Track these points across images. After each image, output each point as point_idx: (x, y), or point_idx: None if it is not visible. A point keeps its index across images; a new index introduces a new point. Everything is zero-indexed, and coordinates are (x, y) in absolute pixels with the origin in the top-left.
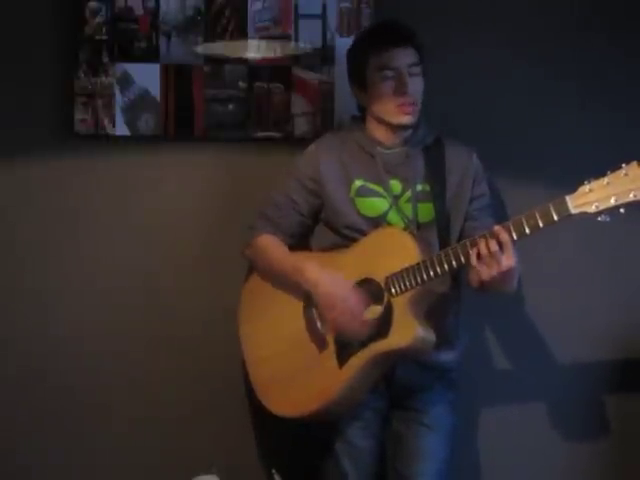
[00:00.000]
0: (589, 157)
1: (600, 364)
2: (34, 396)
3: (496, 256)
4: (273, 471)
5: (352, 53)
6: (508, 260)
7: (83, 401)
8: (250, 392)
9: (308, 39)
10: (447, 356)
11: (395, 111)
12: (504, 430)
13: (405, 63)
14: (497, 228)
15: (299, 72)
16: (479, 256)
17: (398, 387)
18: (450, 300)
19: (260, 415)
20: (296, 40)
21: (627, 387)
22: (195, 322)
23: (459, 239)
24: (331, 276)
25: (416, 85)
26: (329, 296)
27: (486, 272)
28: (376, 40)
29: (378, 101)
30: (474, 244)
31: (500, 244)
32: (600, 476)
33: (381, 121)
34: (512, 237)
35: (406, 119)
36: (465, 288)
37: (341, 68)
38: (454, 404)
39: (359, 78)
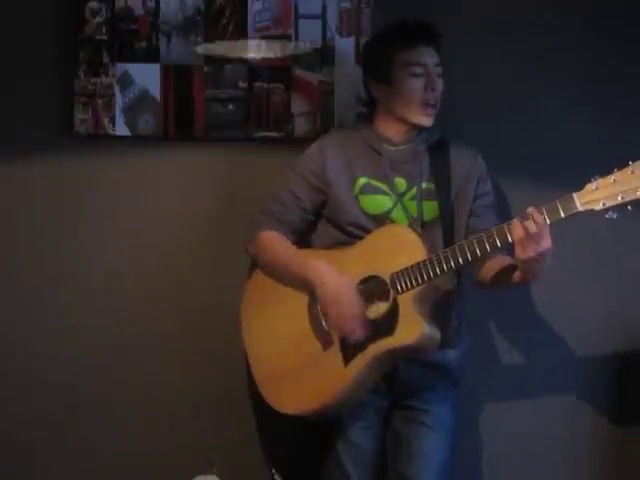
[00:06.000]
0: (592, 157)
1: (601, 362)
2: (34, 396)
3: (535, 237)
4: (273, 471)
5: (374, 47)
6: (546, 242)
7: (83, 401)
8: (251, 392)
9: (308, 39)
10: (449, 355)
11: (418, 110)
12: (505, 429)
13: (432, 61)
14: (530, 209)
15: (299, 72)
16: (517, 237)
17: (400, 386)
18: (454, 298)
19: (261, 415)
20: (296, 40)
21: (627, 385)
22: (195, 322)
23: (465, 237)
24: (336, 274)
25: (440, 85)
26: (331, 294)
27: (523, 253)
28: (406, 36)
29: (402, 97)
30: (490, 236)
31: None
32: (600, 475)
33: (399, 118)
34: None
35: (426, 120)
36: (467, 287)
37: (341, 68)
38: (456, 403)
39: (381, 73)
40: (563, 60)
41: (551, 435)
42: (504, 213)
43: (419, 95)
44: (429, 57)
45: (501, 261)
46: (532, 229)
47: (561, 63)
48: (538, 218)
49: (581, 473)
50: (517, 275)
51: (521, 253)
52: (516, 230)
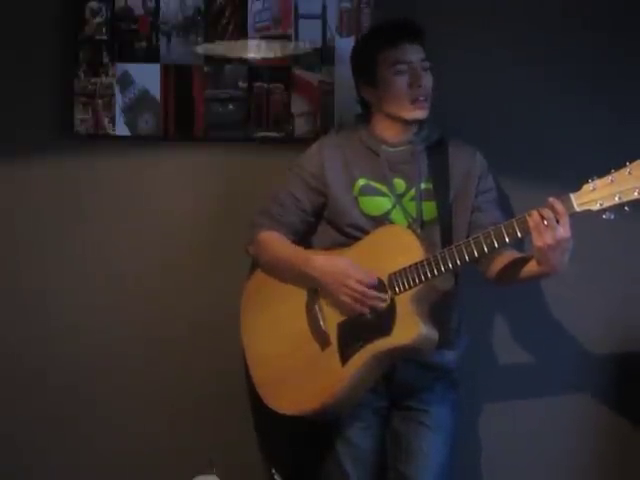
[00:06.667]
0: (591, 157)
1: (601, 363)
2: (34, 396)
3: (551, 223)
4: (273, 471)
5: (360, 50)
6: (564, 230)
7: (83, 401)
8: (251, 392)
9: (308, 39)
10: (448, 356)
11: (409, 106)
12: (505, 430)
13: (417, 57)
14: (551, 199)
15: (299, 72)
16: (534, 224)
17: (398, 387)
18: (452, 299)
19: (260, 415)
20: (296, 40)
21: (627, 385)
22: (195, 322)
23: (467, 232)
24: (330, 261)
25: (427, 80)
26: (332, 283)
27: (540, 239)
28: (387, 36)
29: (391, 97)
30: (487, 236)
31: (555, 215)
32: (601, 475)
33: (392, 117)
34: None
35: (420, 113)
36: (466, 287)
37: (341, 68)
38: (455, 404)
39: (368, 75)
40: (563, 60)
41: (551, 436)
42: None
43: (405, 92)
44: (413, 54)
45: (510, 255)
46: (549, 215)
47: (561, 63)
48: (558, 206)
49: (581, 474)
50: (533, 267)
51: (538, 241)
52: (533, 216)
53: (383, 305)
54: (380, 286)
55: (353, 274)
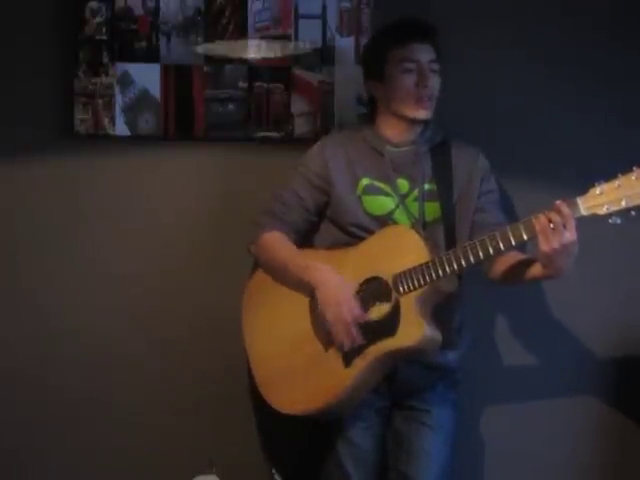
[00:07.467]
0: (593, 158)
1: (601, 363)
2: (34, 395)
3: (558, 227)
4: (273, 471)
5: (371, 47)
6: (571, 234)
7: (83, 401)
8: (251, 392)
9: (308, 39)
10: (450, 356)
11: (413, 105)
12: (505, 430)
13: (426, 58)
14: (559, 202)
15: (299, 72)
16: (541, 228)
17: (400, 387)
18: (455, 300)
19: (261, 415)
20: (296, 40)
21: (627, 386)
22: (196, 322)
23: (470, 233)
24: (337, 279)
25: (434, 81)
26: (331, 297)
27: (547, 245)
28: (399, 34)
29: (397, 94)
30: (493, 239)
31: (562, 218)
32: (600, 476)
33: (397, 116)
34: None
35: (423, 113)
36: (468, 289)
37: (341, 68)
38: (456, 404)
39: (377, 71)
40: (566, 60)
41: (551, 436)
42: (510, 213)
43: (411, 91)
44: (423, 53)
45: (514, 256)
46: (556, 219)
47: (564, 64)
48: (564, 210)
49: (581, 474)
50: (537, 269)
51: (545, 245)
52: (540, 220)
53: (356, 344)
54: (383, 287)
55: (351, 305)
